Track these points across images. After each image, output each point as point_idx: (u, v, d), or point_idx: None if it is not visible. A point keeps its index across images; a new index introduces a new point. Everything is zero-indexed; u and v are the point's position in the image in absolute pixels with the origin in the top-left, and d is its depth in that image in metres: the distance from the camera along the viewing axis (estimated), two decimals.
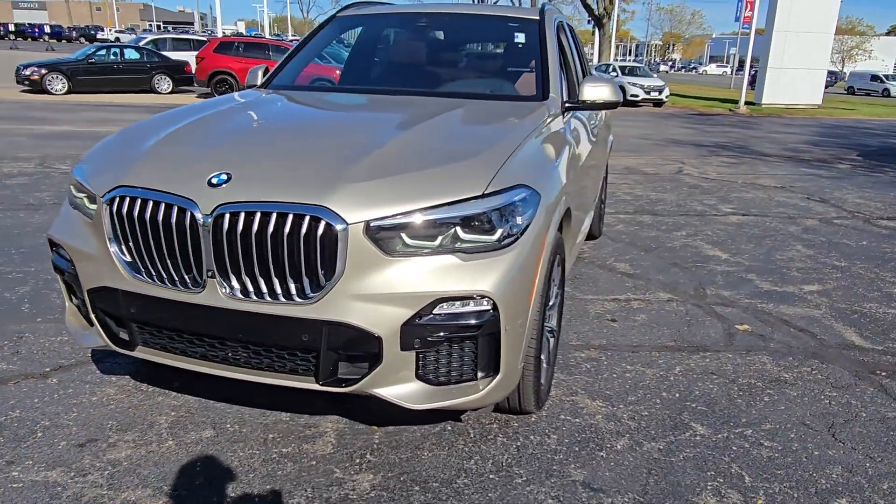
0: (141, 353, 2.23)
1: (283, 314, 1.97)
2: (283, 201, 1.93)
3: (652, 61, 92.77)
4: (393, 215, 1.94)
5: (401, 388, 2.04)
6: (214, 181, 2.00)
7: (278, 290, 1.97)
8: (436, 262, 1.98)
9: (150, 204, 2.03)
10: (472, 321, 2.00)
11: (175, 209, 2.00)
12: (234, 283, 1.99)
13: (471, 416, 2.57)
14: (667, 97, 22.48)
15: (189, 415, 2.51)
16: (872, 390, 2.95)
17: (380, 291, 1.93)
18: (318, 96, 3.23)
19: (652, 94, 21.83)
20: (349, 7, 3.95)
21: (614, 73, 22.98)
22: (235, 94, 3.21)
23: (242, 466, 2.21)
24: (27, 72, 17.39)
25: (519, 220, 2.12)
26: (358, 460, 2.28)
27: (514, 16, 3.63)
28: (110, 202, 2.11)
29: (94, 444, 2.30)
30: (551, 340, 2.82)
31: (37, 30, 63.26)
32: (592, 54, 35.47)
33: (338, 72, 4.24)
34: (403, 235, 1.96)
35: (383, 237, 1.94)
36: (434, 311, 1.97)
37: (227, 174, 2.02)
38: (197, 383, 2.71)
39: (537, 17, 3.50)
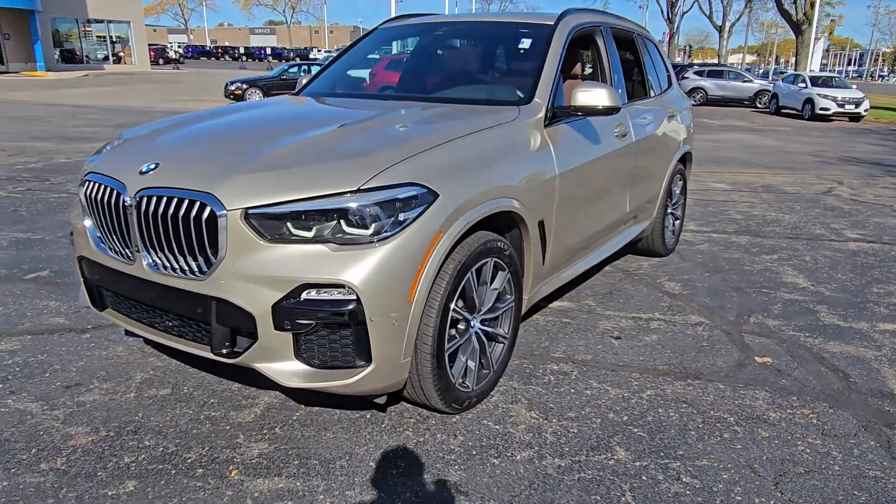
0: (108, 314, 2.65)
1: (183, 287, 2.24)
2: (181, 188, 2.21)
3: (878, 71, 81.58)
4: (269, 204, 2.12)
5: (281, 365, 2.21)
6: (144, 170, 2.34)
7: (181, 265, 2.25)
8: (307, 250, 2.12)
9: (101, 187, 2.43)
10: (337, 309, 2.11)
11: (114, 192, 2.37)
12: (153, 257, 2.31)
13: (396, 409, 2.65)
14: (866, 111, 19.77)
15: (162, 375, 2.90)
16: (872, 444, 2.51)
17: (255, 273, 2.13)
18: (314, 103, 3.47)
19: (846, 107, 19.35)
20: (391, 20, 4.20)
21: (802, 84, 20.71)
22: (256, 100, 3.59)
23: (170, 422, 2.53)
24: (232, 87, 20.23)
25: (401, 216, 2.19)
26: (266, 431, 2.48)
27: (527, 21, 3.62)
28: (82, 184, 2.55)
29: (77, 388, 2.77)
30: (499, 346, 2.80)
31: (261, 51, 72.60)
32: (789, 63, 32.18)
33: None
34: (279, 224, 2.13)
35: (261, 224, 2.13)
36: (302, 296, 2.12)
37: (156, 164, 2.35)
38: None
39: (551, 23, 3.46)
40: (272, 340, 2.17)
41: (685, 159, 5.07)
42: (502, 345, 2.84)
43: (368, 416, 2.60)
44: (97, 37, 37.91)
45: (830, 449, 2.47)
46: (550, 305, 3.87)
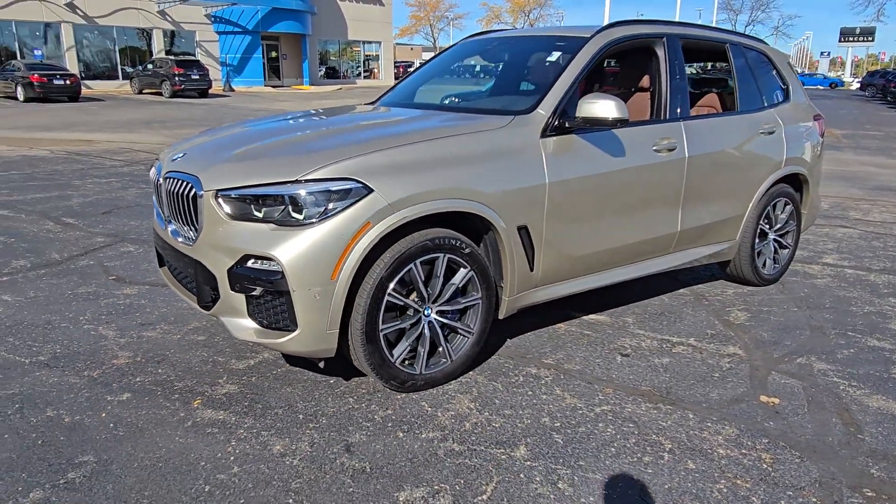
0: (162, 271, 3.40)
1: (184, 251, 2.85)
2: (184, 172, 2.81)
3: None
4: (232, 188, 2.62)
5: (237, 320, 2.70)
6: (174, 157, 3.00)
7: (184, 233, 2.86)
8: (255, 227, 2.58)
9: (154, 171, 3.16)
10: (269, 278, 2.54)
11: (158, 174, 3.08)
12: (172, 225, 2.96)
13: (358, 380, 2.99)
14: None
15: (207, 325, 3.59)
16: (812, 501, 2.20)
17: (220, 243, 2.64)
18: (351, 111, 3.87)
19: None
20: (466, 38, 4.50)
21: None
22: (339, 107, 4.15)
23: (186, 360, 3.18)
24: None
25: (330, 205, 2.54)
26: (245, 378, 3.00)
27: (565, 35, 3.66)
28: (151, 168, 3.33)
29: (147, 326, 3.58)
30: (461, 339, 2.99)
31: None
32: None
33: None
34: (239, 204, 2.62)
35: (227, 203, 2.64)
36: (247, 264, 2.58)
37: (182, 154, 3.00)
38: None
39: (587, 36, 3.49)
40: (231, 299, 2.67)
41: (796, 182, 4.55)
42: (465, 338, 3.01)
43: (331, 382, 2.98)
44: (352, 56, 43.18)
45: (752, 495, 2.24)
46: (584, 317, 3.86)
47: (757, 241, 4.33)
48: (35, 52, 28.39)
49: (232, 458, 2.38)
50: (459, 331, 2.99)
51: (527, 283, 3.17)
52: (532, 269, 3.15)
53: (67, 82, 22.96)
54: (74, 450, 2.40)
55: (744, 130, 4.08)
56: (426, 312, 2.87)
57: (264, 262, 2.55)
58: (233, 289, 2.63)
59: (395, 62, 45.74)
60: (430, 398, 2.86)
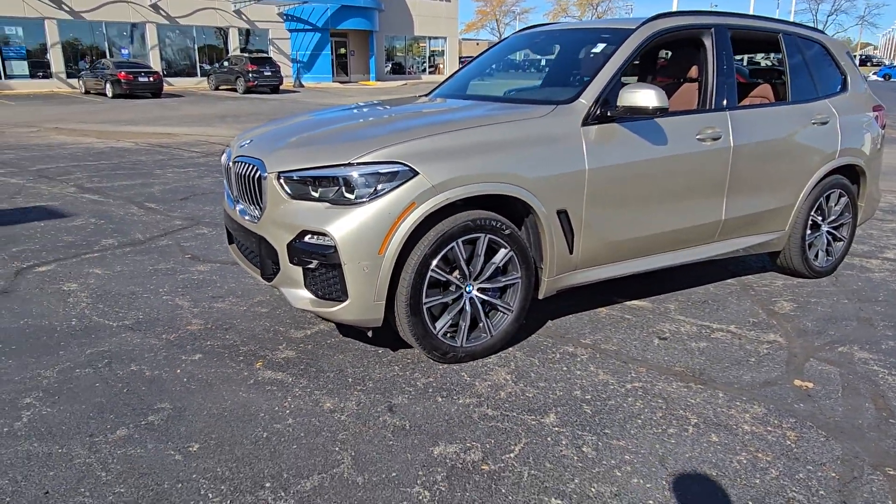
0: (231, 248, 3.73)
1: (250, 228, 3.15)
2: (251, 156, 3.11)
3: None
4: (292, 170, 2.89)
5: (295, 291, 2.98)
6: (242, 144, 3.31)
7: (250, 212, 3.16)
8: (311, 206, 2.84)
9: (225, 156, 3.49)
10: (324, 252, 2.79)
11: (228, 158, 3.40)
12: (240, 205, 3.27)
13: (405, 352, 3.22)
14: None
15: (271, 299, 3.91)
16: (831, 476, 2.28)
17: (281, 220, 2.92)
18: (417, 101, 4.10)
19: None
20: (517, 32, 4.65)
21: None
22: (394, 98, 4.40)
23: (250, 328, 3.49)
24: None
25: (379, 186, 2.77)
26: (302, 345, 3.28)
27: (611, 27, 3.77)
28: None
29: (218, 298, 3.93)
30: (500, 315, 3.17)
31: None
32: None
33: None
34: (298, 185, 2.89)
35: (286, 184, 2.91)
36: (304, 239, 2.85)
37: (250, 141, 3.30)
38: None
39: (633, 27, 3.59)
40: (289, 271, 2.95)
41: (853, 173, 4.48)
42: (505, 315, 3.19)
43: (380, 352, 3.22)
44: (417, 52, 43.73)
45: (771, 467, 2.33)
46: (626, 302, 3.96)
47: (808, 232, 4.31)
48: (122, 50, 30.19)
49: (287, 411, 2.65)
50: (499, 308, 3.18)
51: (566, 266, 3.32)
52: (571, 252, 3.30)
53: (151, 79, 24.33)
54: (154, 398, 2.73)
55: (794, 120, 4.08)
56: (468, 289, 3.07)
57: (319, 237, 2.81)
58: (291, 262, 2.91)
59: (459, 57, 45.97)
60: (469, 369, 3.06)
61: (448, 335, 3.07)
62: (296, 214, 2.88)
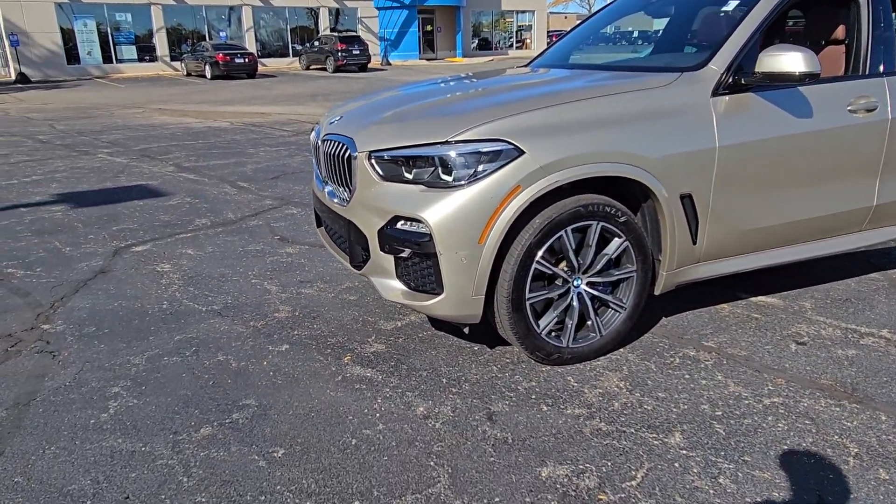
0: (319, 232, 3.54)
1: (339, 212, 2.94)
2: (340, 134, 2.87)
3: None
4: (383, 149, 2.63)
5: (386, 281, 2.74)
6: (332, 121, 3.09)
7: (340, 194, 2.93)
8: (405, 189, 2.58)
9: (313, 133, 3.28)
10: (418, 240, 2.53)
11: (317, 136, 3.19)
12: (329, 186, 3.06)
13: (502, 349, 2.93)
14: None
15: (358, 286, 3.72)
16: None
17: (371, 204, 2.68)
18: (517, 72, 3.71)
19: None
20: None
21: None
22: (491, 70, 4.07)
23: (338, 317, 3.31)
24: None
25: (480, 167, 2.46)
26: (392, 339, 3.06)
27: None
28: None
29: (306, 283, 3.78)
30: (611, 313, 2.83)
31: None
32: None
33: None
34: (391, 165, 2.63)
35: (378, 164, 2.66)
36: (397, 226, 2.59)
37: (340, 117, 3.07)
38: None
39: None
40: (380, 259, 2.71)
41: None
42: (617, 313, 2.83)
43: (476, 349, 2.95)
44: (504, 27, 42.77)
45: None
46: (752, 298, 3.49)
47: None
48: (220, 33, 31.28)
49: (378, 415, 2.43)
50: (611, 304, 2.82)
51: (688, 258, 2.91)
52: (695, 242, 2.88)
53: (246, 60, 25.04)
54: (239, 393, 2.58)
55: None
56: (576, 283, 2.73)
57: (413, 223, 2.55)
58: (382, 249, 2.67)
59: (547, 32, 44.64)
60: (576, 373, 2.73)
61: (553, 334, 2.75)
62: (387, 198, 2.62)
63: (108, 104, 16.13)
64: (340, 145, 2.86)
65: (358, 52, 27.88)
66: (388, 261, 2.69)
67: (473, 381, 2.66)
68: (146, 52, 29.91)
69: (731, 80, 2.82)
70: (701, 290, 3.54)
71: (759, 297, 3.51)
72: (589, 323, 2.80)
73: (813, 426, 2.33)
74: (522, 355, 2.86)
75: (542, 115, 2.56)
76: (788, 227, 3.10)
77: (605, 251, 2.73)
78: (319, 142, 3.10)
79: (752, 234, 3.02)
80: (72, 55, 28.01)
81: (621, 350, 2.92)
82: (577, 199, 2.59)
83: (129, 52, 29.55)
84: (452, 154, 2.49)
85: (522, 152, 2.47)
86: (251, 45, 31.23)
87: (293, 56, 32.98)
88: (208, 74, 25.16)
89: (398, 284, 2.71)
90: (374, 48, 34.10)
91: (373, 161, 2.68)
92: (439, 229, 2.47)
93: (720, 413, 2.42)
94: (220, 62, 24.48)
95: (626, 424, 2.35)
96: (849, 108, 3.07)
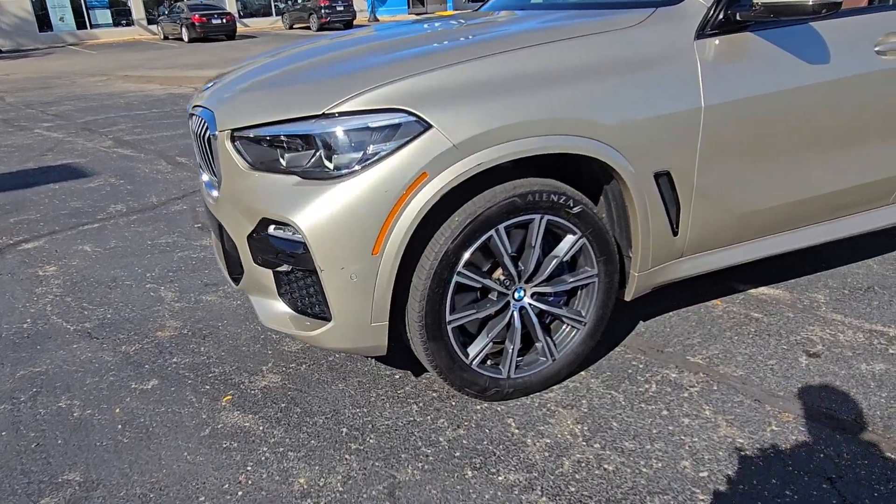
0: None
1: (209, 209, 2.25)
2: (204, 106, 2.16)
3: None
4: (246, 126, 1.93)
5: (266, 301, 2.07)
6: (202, 88, 2.37)
7: (214, 187, 2.24)
8: (277, 181, 1.88)
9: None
10: (291, 251, 1.86)
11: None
12: (205, 176, 2.37)
13: (430, 380, 2.29)
14: None
15: None
16: None
17: (238, 200, 1.99)
18: (453, 17, 2.97)
19: None
20: None
21: None
22: (430, 17, 3.32)
23: (235, 335, 2.66)
24: None
25: (370, 149, 1.77)
26: (293, 366, 2.41)
27: None
28: None
29: (211, 287, 3.12)
30: (567, 330, 2.17)
31: None
32: None
33: None
34: (258, 149, 1.93)
35: (244, 147, 1.96)
36: (268, 231, 1.91)
37: (213, 83, 2.36)
38: None
39: None
40: (255, 273, 2.03)
41: None
42: (575, 329, 2.17)
43: (397, 377, 2.30)
44: None
45: None
46: (751, 290, 2.82)
47: None
48: None
49: (240, 492, 1.79)
50: (565, 319, 2.16)
51: (667, 253, 2.23)
52: (676, 233, 2.19)
53: (224, 21, 23.86)
54: (65, 462, 1.94)
55: None
56: (517, 296, 2.06)
57: (284, 228, 1.87)
58: (256, 262, 1.99)
59: None
60: (520, 412, 2.08)
61: (489, 363, 2.10)
62: (256, 193, 1.93)
63: (72, 72, 15.25)
64: (201, 122, 2.15)
65: (342, 8, 26.60)
66: (266, 276, 2.01)
67: (382, 431, 2.02)
68: (122, 15, 28.69)
69: (721, 15, 2.08)
70: (689, 282, 2.87)
71: (761, 289, 2.84)
72: (538, 345, 2.14)
73: (836, 496, 1.69)
74: (448, 390, 2.21)
75: (458, 72, 1.84)
76: (797, 206, 2.41)
77: (554, 252, 2.06)
78: (188, 116, 2.40)
79: (752, 217, 2.33)
80: (44, 22, 26.86)
81: (582, 374, 2.27)
82: (511, 187, 1.90)
83: (104, 16, 28.35)
84: (333, 131, 1.78)
85: (429, 126, 1.77)
86: (231, 5, 29.87)
87: (276, 15, 31.62)
88: (185, 37, 24.05)
89: (282, 307, 2.04)
90: (361, 3, 32.67)
91: (237, 143, 1.97)
92: (315, 237, 1.79)
93: (705, 474, 1.78)
94: (197, 24, 23.35)
95: (577, 500, 1.71)
96: (877, 48, 2.33)
